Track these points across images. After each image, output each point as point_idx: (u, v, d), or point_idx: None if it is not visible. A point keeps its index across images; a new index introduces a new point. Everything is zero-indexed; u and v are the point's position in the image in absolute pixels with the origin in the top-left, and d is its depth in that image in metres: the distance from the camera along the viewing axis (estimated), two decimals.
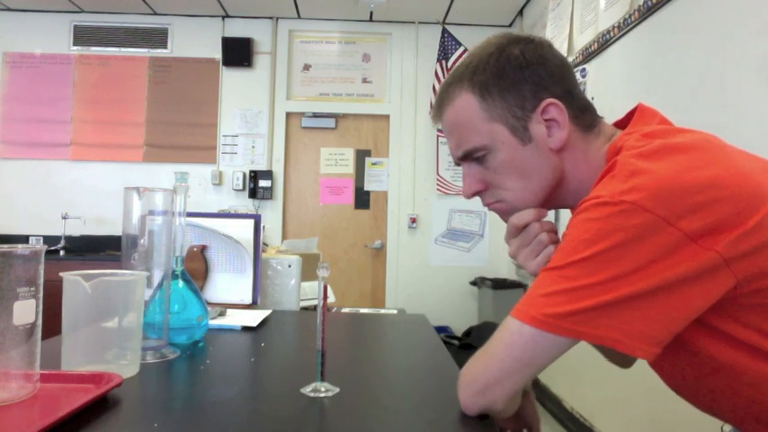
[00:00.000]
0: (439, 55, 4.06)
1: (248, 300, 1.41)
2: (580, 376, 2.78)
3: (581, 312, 0.59)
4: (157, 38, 4.20)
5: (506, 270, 4.09)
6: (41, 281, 0.67)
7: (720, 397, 0.69)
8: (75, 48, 4.17)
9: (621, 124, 0.79)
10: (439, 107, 0.80)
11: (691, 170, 0.60)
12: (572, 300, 0.59)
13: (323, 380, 0.75)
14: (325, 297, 0.77)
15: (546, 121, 0.73)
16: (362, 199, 4.27)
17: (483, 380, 0.65)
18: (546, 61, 0.74)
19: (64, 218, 3.97)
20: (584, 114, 0.75)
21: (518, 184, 0.75)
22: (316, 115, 4.24)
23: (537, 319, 0.61)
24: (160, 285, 0.93)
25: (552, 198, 0.77)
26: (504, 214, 0.80)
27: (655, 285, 0.58)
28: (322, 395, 0.73)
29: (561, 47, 3.10)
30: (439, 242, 4.24)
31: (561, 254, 0.63)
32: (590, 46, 2.76)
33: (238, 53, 4.13)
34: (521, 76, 0.73)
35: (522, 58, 0.73)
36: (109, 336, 0.78)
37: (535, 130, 0.73)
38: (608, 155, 0.72)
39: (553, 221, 3.02)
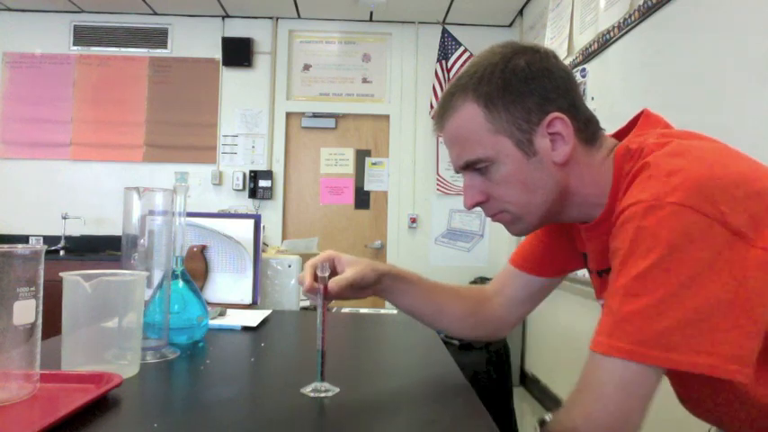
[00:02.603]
0: (439, 55, 4.06)
1: (248, 300, 1.41)
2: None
3: (666, 333, 0.56)
4: (157, 38, 4.20)
5: None
6: (41, 281, 0.67)
7: (729, 410, 0.68)
8: (75, 48, 4.17)
9: (623, 133, 0.78)
10: (441, 116, 0.78)
11: (721, 166, 0.60)
12: (650, 318, 0.56)
13: (323, 380, 0.75)
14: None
15: (551, 134, 0.72)
16: (362, 199, 4.27)
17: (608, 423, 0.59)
18: (551, 73, 0.73)
19: (64, 218, 3.97)
20: (587, 127, 0.74)
21: (521, 198, 0.74)
22: (316, 115, 4.24)
23: (624, 350, 0.57)
24: (160, 285, 0.93)
25: (555, 211, 0.76)
26: (509, 224, 0.79)
27: (719, 292, 0.55)
28: (322, 395, 0.73)
29: (561, 47, 3.10)
30: (439, 242, 4.24)
31: (623, 271, 0.60)
32: (590, 46, 2.76)
33: (238, 53, 4.13)
34: (526, 88, 0.71)
35: (528, 69, 0.72)
36: (109, 336, 0.78)
37: (540, 144, 0.72)
38: (616, 160, 0.71)
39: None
